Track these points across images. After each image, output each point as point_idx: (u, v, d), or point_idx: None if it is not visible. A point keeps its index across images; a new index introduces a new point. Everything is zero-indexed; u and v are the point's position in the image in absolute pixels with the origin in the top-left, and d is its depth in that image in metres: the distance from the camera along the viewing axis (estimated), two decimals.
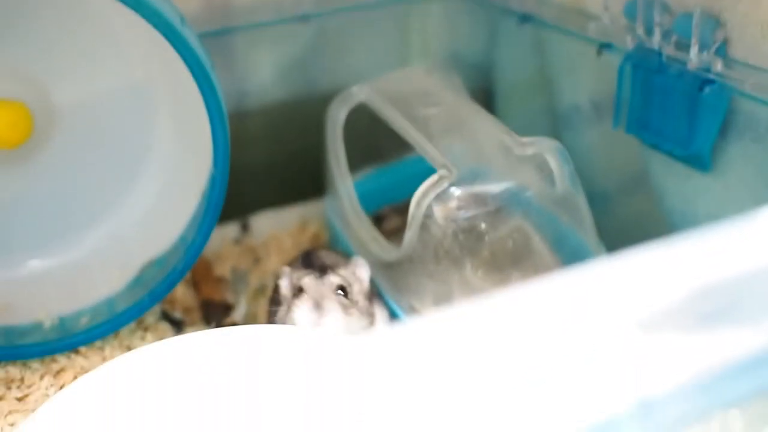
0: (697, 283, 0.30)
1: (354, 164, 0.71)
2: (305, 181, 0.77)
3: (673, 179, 0.61)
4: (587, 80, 0.67)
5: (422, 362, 0.29)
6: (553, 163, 0.57)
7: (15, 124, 0.59)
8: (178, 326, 0.64)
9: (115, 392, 0.47)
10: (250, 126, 0.78)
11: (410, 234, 0.56)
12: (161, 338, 0.61)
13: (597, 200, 0.69)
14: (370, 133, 0.70)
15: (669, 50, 0.57)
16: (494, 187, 0.56)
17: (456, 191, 0.55)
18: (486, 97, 0.79)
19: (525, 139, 0.57)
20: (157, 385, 0.48)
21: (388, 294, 0.60)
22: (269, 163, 0.79)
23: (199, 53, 0.54)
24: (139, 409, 0.47)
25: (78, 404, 0.47)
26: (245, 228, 0.77)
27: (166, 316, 0.65)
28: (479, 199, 0.56)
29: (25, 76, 0.60)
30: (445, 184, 0.54)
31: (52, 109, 0.61)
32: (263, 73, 0.78)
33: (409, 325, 0.30)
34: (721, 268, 0.31)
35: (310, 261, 0.60)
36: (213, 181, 0.58)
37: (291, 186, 0.80)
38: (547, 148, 0.57)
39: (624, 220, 0.68)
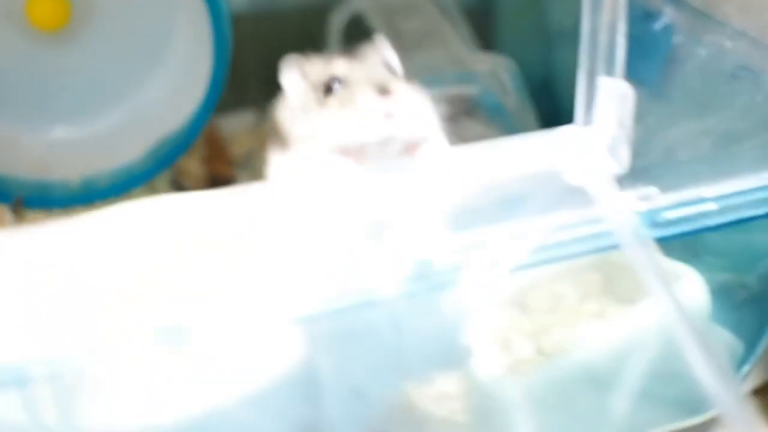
0: None
1: None
2: None
3: None
4: (571, 9, 0.74)
5: None
6: (504, 78, 0.64)
7: (55, 11, 0.69)
8: None
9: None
10: (276, 27, 0.87)
11: None
12: None
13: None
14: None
15: None
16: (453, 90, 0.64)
17: None
18: (486, 13, 0.86)
19: (483, 56, 0.65)
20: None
21: None
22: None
23: None
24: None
25: None
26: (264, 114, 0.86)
27: (176, 185, 0.75)
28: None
29: None
30: None
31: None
32: None
33: None
34: None
35: None
36: (214, 75, 0.68)
37: None
38: (499, 64, 0.64)
39: None
